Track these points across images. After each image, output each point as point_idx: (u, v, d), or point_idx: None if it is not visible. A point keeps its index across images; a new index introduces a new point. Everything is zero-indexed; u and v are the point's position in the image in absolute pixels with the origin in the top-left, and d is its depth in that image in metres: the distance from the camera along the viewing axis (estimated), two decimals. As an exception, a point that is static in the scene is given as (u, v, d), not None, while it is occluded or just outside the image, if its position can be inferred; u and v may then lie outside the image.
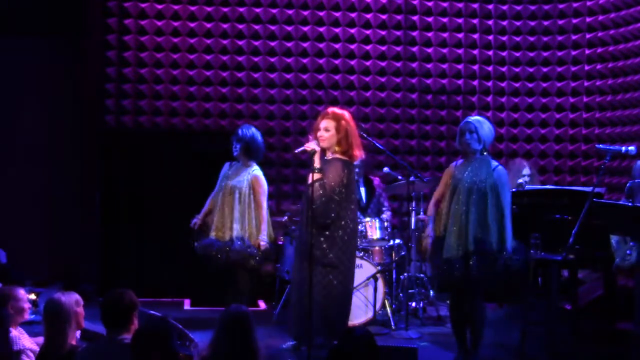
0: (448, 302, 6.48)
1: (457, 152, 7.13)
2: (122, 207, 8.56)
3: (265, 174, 8.67)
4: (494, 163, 6.00)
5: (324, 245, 5.95)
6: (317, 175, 5.89)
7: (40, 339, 4.67)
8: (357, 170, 7.96)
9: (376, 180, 8.19)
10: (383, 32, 9.09)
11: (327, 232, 5.96)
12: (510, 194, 6.02)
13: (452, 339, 6.24)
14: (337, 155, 6.05)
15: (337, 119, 6.05)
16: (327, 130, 6.03)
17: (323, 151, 6.02)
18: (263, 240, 6.84)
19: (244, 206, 6.92)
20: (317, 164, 5.89)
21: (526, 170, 7.91)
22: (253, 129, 7.06)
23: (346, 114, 6.14)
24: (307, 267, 5.79)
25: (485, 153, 6.00)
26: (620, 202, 6.49)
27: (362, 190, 8.05)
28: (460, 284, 5.92)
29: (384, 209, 8.11)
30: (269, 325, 7.23)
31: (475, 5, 9.21)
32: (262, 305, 8.34)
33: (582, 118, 9.08)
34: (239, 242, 6.80)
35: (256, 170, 7.00)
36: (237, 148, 7.00)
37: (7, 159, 8.48)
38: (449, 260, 5.84)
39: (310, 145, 5.93)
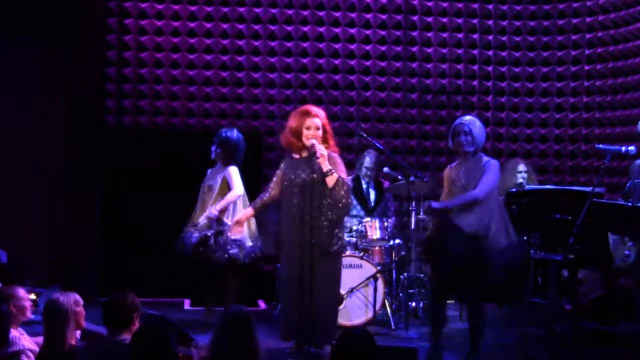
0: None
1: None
2: (122, 207, 8.57)
3: (265, 174, 8.74)
4: (485, 159, 6.04)
5: (339, 235, 6.04)
6: (332, 178, 5.91)
7: (40, 339, 4.66)
8: (368, 173, 8.02)
9: (386, 184, 8.19)
10: (383, 32, 9.09)
11: (339, 224, 6.08)
12: (495, 178, 6.03)
13: (452, 339, 6.26)
14: (330, 151, 6.08)
15: (322, 116, 6.06)
16: (318, 128, 6.02)
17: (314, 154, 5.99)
18: (210, 213, 6.96)
19: (216, 200, 7.04)
20: (328, 166, 5.91)
21: (522, 167, 7.91)
22: (230, 132, 7.20)
23: (321, 111, 6.16)
24: (317, 261, 5.83)
25: (477, 153, 6.01)
26: (620, 202, 6.49)
27: (372, 193, 8.07)
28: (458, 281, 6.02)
29: (389, 212, 8.12)
30: (269, 325, 7.23)
31: (475, 5, 9.21)
32: (262, 305, 8.34)
33: (582, 118, 9.08)
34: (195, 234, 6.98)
35: (230, 167, 7.09)
36: (215, 150, 7.13)
37: (7, 159, 8.47)
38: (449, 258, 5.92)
39: (322, 151, 5.92)
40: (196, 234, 7.00)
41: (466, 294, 6.14)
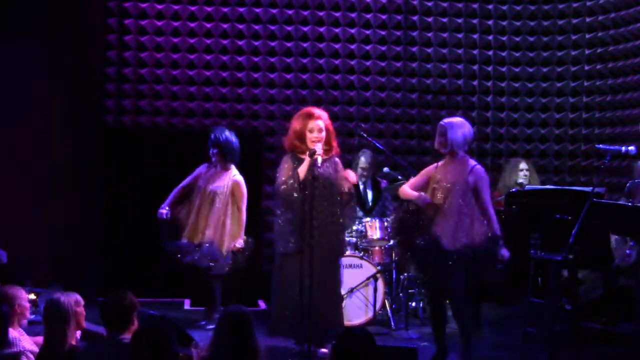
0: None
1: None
2: (122, 207, 8.57)
3: (264, 174, 8.75)
4: (472, 163, 6.01)
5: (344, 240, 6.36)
6: (349, 193, 6.08)
7: (40, 339, 4.66)
8: (364, 173, 8.02)
9: (384, 183, 8.19)
10: (383, 32, 9.09)
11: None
12: (489, 190, 6.02)
13: (452, 339, 6.25)
14: (332, 155, 6.14)
15: (324, 118, 6.08)
16: (321, 130, 6.04)
17: (314, 153, 6.00)
18: (239, 243, 7.04)
19: (221, 211, 7.03)
20: (349, 183, 6.12)
21: (523, 165, 7.92)
22: (226, 132, 7.18)
23: (324, 112, 6.19)
24: (331, 266, 6.04)
25: (458, 154, 5.98)
26: (620, 202, 6.50)
27: (369, 193, 8.07)
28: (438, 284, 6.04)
29: (388, 212, 8.11)
30: (269, 325, 7.22)
31: (475, 6, 9.22)
32: (262, 305, 8.34)
33: (582, 118, 9.08)
34: (207, 247, 6.94)
35: (237, 175, 7.14)
36: (214, 153, 7.10)
37: (7, 159, 8.47)
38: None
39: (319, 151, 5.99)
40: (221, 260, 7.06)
41: (450, 293, 6.12)
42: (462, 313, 5.96)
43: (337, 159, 6.19)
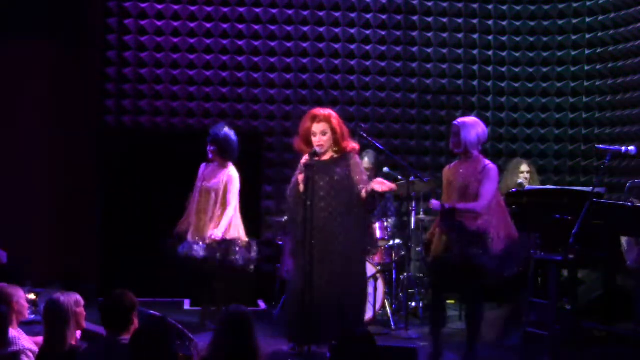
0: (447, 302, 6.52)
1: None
2: (122, 207, 8.58)
3: (265, 174, 8.76)
4: (485, 162, 5.99)
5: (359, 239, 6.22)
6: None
7: (40, 339, 4.65)
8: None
9: None
10: (383, 33, 9.09)
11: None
12: (494, 186, 5.97)
13: (452, 339, 6.26)
14: (346, 153, 6.08)
15: (328, 120, 6.01)
16: (324, 133, 5.99)
17: (315, 154, 5.95)
18: (214, 235, 6.88)
19: (217, 207, 6.99)
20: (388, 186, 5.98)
21: (524, 167, 7.92)
22: (226, 128, 7.13)
23: (332, 112, 6.11)
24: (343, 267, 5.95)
25: (472, 154, 5.96)
26: (620, 202, 6.49)
27: None
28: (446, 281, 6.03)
29: (389, 212, 8.10)
30: (269, 325, 7.23)
31: (475, 6, 9.22)
32: (262, 305, 8.34)
33: (582, 118, 9.08)
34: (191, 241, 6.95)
35: (232, 171, 7.07)
36: (212, 150, 7.07)
37: (7, 160, 8.47)
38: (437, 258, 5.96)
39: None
40: (201, 250, 6.97)
41: (465, 295, 6.15)
42: (477, 314, 5.98)
43: (353, 158, 6.05)
